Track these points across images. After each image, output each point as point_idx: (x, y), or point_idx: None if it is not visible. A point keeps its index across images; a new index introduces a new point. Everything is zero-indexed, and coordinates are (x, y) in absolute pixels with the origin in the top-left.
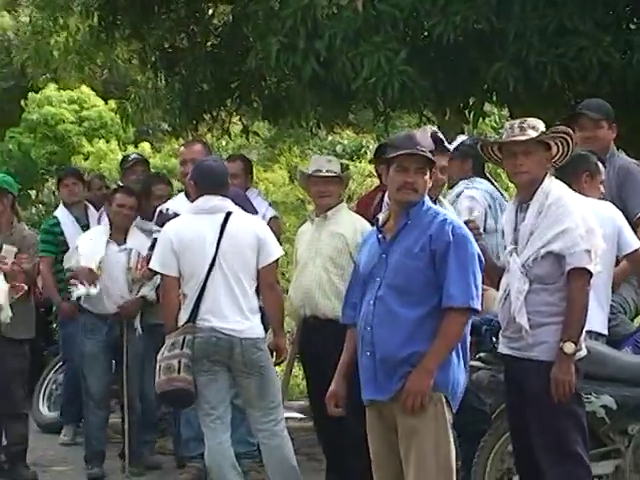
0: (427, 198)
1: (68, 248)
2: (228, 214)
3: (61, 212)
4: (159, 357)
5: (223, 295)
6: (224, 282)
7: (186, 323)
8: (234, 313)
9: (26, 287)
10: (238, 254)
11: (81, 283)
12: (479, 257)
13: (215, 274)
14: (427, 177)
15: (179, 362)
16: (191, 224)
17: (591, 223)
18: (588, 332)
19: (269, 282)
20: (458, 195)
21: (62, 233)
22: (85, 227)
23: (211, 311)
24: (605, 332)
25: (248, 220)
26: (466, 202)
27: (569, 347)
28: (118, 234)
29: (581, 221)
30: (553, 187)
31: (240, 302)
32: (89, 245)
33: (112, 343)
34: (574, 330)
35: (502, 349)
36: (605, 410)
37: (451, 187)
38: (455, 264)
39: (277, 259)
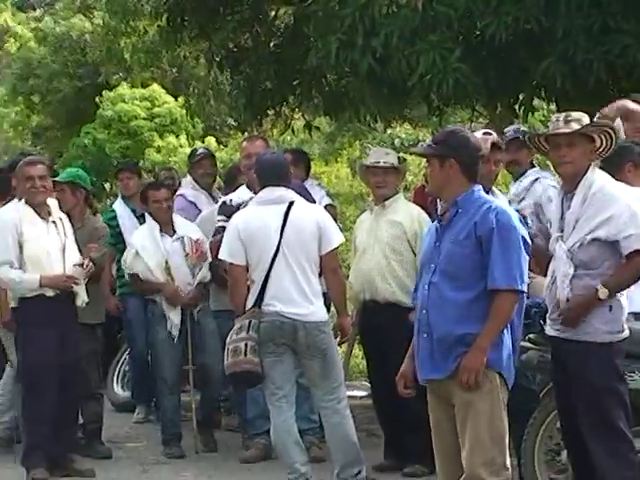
0: (478, 188)
1: (124, 239)
2: (291, 204)
3: (119, 205)
4: (227, 340)
5: (287, 281)
6: (288, 268)
7: (252, 308)
8: (298, 298)
9: (90, 264)
10: (300, 242)
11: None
12: (525, 242)
13: (279, 261)
14: (436, 168)
15: (245, 345)
16: (256, 214)
17: (634, 209)
18: (633, 314)
19: (331, 267)
20: (533, 182)
21: (118, 225)
22: (141, 217)
23: (276, 296)
24: None
25: (310, 209)
26: (552, 191)
27: (603, 292)
28: (166, 227)
29: (625, 207)
30: (596, 177)
31: (303, 287)
32: (148, 247)
33: (181, 329)
34: (617, 285)
35: (549, 331)
36: None
37: (518, 176)
38: (498, 248)
39: (338, 245)
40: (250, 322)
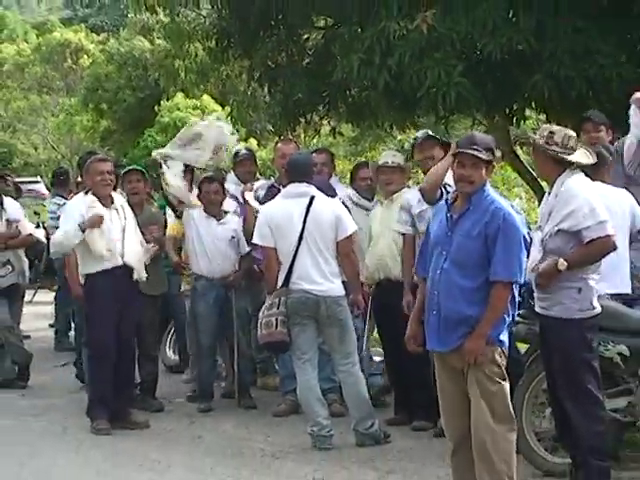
0: (488, 186)
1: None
2: (312, 198)
3: None
4: (260, 314)
5: (309, 263)
6: (309, 253)
7: (281, 287)
8: (319, 277)
9: (157, 248)
10: (320, 230)
11: None
12: (525, 240)
13: (303, 247)
14: (483, 171)
15: (276, 319)
16: (282, 205)
17: (594, 203)
18: (610, 295)
19: (346, 252)
20: None
21: (165, 213)
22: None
23: (301, 277)
24: (629, 291)
25: (328, 202)
26: None
27: (562, 265)
28: (214, 213)
29: (585, 202)
30: (568, 178)
31: (323, 268)
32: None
33: (219, 303)
34: (575, 261)
35: (537, 307)
36: (620, 357)
37: None
38: (502, 245)
39: (352, 233)
40: (279, 300)
